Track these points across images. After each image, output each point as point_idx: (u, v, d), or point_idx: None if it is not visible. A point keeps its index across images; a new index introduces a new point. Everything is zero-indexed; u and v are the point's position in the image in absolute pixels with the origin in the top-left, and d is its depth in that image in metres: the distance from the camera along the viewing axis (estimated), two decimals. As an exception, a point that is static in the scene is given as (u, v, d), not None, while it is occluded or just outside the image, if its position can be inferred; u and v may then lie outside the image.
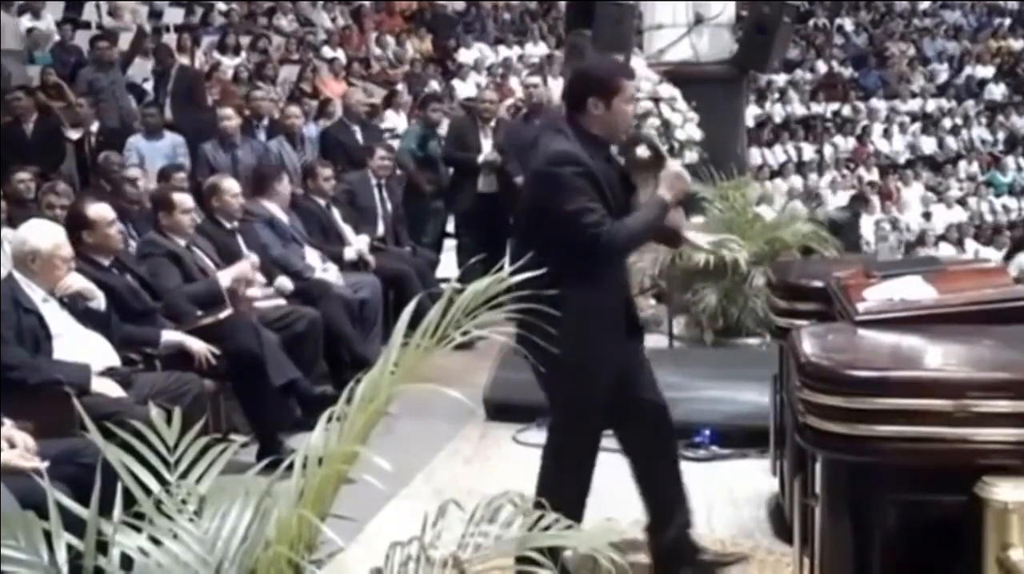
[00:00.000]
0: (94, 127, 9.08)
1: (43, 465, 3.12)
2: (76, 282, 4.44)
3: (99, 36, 10.93)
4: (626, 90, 3.41)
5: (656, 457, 3.65)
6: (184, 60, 11.88)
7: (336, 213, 7.09)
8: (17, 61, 10.11)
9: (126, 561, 1.97)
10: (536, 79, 8.96)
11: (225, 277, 5.45)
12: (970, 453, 2.42)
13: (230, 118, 7.82)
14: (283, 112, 8.66)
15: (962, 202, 16.98)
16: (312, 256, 6.49)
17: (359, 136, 8.43)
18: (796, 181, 15.95)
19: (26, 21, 12.07)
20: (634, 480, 3.68)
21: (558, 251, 3.23)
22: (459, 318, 2.16)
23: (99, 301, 4.48)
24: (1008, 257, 11.06)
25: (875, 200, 15.63)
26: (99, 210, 4.84)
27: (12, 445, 3.30)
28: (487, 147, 7.97)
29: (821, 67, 20.22)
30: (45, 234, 4.27)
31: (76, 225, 4.70)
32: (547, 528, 2.13)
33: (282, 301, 5.80)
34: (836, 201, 15.77)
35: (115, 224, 4.86)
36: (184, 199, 5.52)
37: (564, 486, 3.51)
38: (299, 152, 7.94)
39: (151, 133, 8.62)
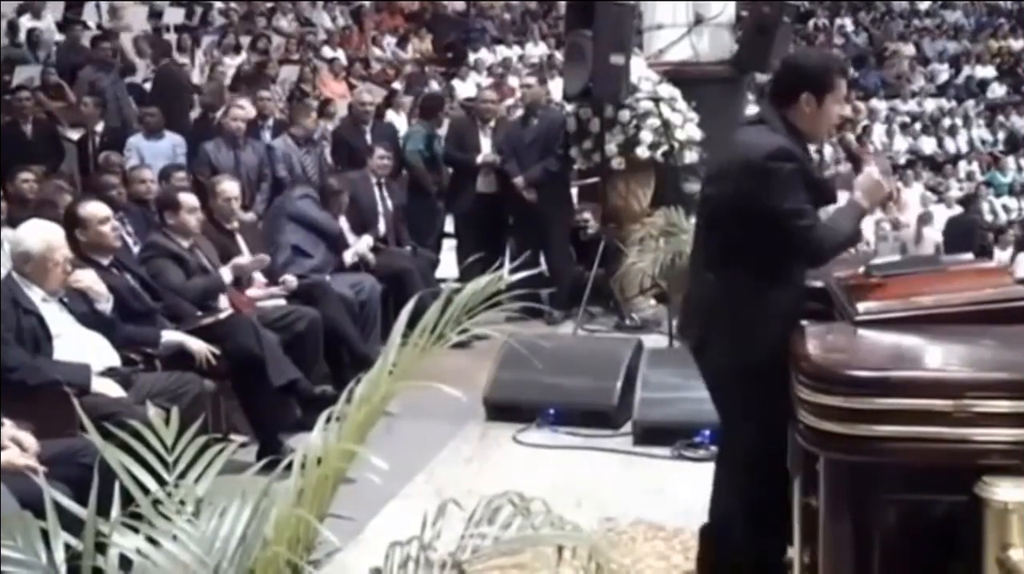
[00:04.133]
0: (99, 127, 9.07)
1: (41, 468, 3.12)
2: (86, 279, 4.44)
3: (100, 36, 10.92)
4: (839, 89, 3.30)
5: None
6: (184, 60, 11.90)
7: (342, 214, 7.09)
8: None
9: (125, 561, 1.97)
10: (531, 79, 8.94)
11: (227, 272, 5.55)
12: (970, 453, 2.41)
13: (237, 119, 7.77)
14: (297, 114, 8.54)
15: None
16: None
17: (368, 136, 8.42)
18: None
19: (26, 21, 12.08)
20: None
21: (760, 249, 3.17)
22: (458, 317, 2.16)
23: (106, 303, 4.49)
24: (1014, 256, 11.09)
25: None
26: (91, 208, 4.84)
27: (19, 445, 3.30)
28: (487, 147, 7.97)
29: (821, 67, 20.21)
30: (38, 236, 4.25)
31: (70, 224, 4.71)
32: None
33: (282, 301, 5.81)
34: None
35: (108, 222, 4.85)
36: (189, 199, 5.52)
37: (767, 503, 3.27)
38: (303, 150, 7.92)
39: (151, 133, 8.61)
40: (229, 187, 6.04)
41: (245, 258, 5.78)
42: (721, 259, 3.27)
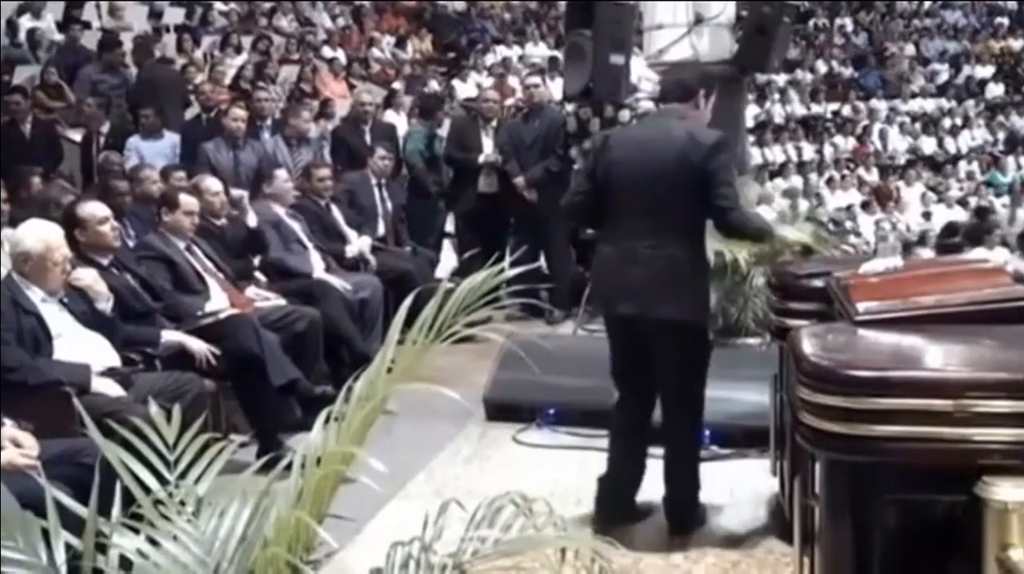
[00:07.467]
0: (104, 128, 9.05)
1: (38, 464, 3.12)
2: (86, 278, 4.44)
3: (108, 41, 10.90)
4: (713, 95, 4.04)
5: None
6: (184, 60, 11.88)
7: (337, 213, 7.09)
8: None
9: (125, 562, 1.97)
10: (535, 79, 8.95)
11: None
12: (970, 453, 2.41)
13: (236, 119, 7.74)
14: (288, 114, 8.54)
15: (962, 202, 16.98)
16: (316, 258, 6.49)
17: (367, 137, 8.42)
18: (796, 181, 15.96)
19: (26, 21, 12.07)
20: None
21: (703, 217, 3.88)
22: (456, 313, 2.15)
23: (106, 303, 4.48)
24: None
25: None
26: (90, 208, 4.84)
27: (18, 445, 3.29)
28: (488, 147, 7.97)
29: (821, 67, 20.25)
30: (37, 235, 4.24)
31: (69, 224, 4.70)
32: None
33: (282, 301, 5.80)
34: (836, 201, 15.80)
35: (108, 222, 4.84)
36: (189, 201, 5.53)
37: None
38: (294, 152, 7.90)
39: (150, 134, 8.60)
40: (212, 183, 6.12)
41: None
42: (686, 225, 3.85)
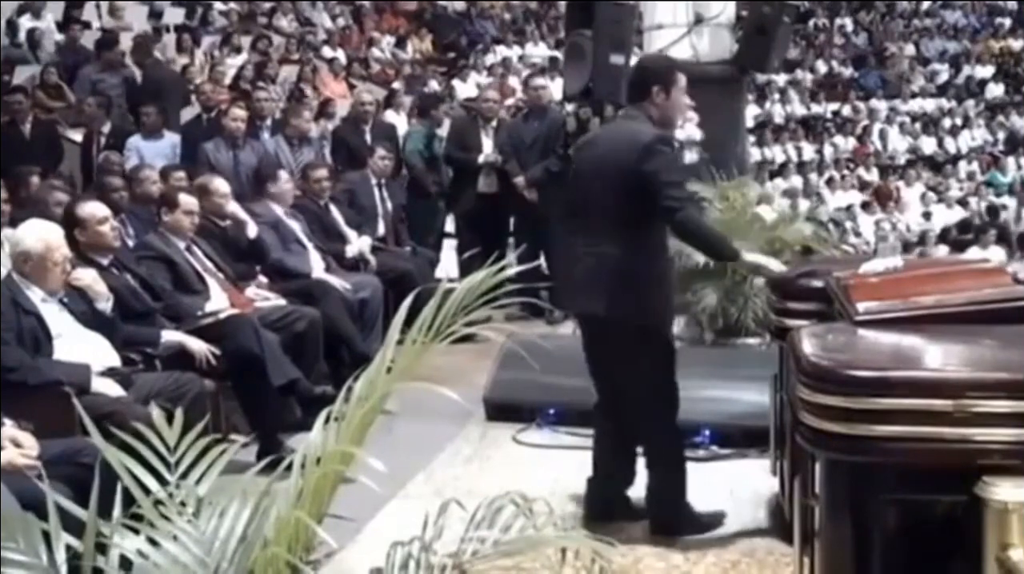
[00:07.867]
0: (105, 128, 9.05)
1: (37, 463, 3.12)
2: (86, 277, 4.44)
3: (106, 40, 10.91)
4: (681, 81, 4.01)
5: None
6: (184, 60, 11.89)
7: (337, 213, 7.08)
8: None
9: (125, 562, 1.97)
10: (542, 80, 8.93)
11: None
12: (970, 453, 2.41)
13: (236, 119, 7.71)
14: (290, 114, 8.52)
15: (962, 202, 16.98)
16: (316, 258, 6.49)
17: (367, 137, 8.42)
18: (796, 181, 15.97)
19: (26, 21, 12.07)
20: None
21: (650, 217, 3.80)
22: (455, 313, 2.15)
23: (106, 303, 4.49)
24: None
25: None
26: (89, 208, 4.84)
27: (18, 445, 3.29)
28: (488, 147, 7.98)
29: (821, 67, 20.26)
30: (38, 235, 4.24)
31: (69, 224, 4.70)
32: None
33: (282, 301, 5.80)
34: (836, 201, 15.81)
35: (107, 222, 4.85)
36: (189, 201, 5.52)
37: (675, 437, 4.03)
38: (296, 152, 7.90)
39: (150, 134, 8.60)
40: (220, 185, 6.10)
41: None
42: (624, 226, 3.81)
